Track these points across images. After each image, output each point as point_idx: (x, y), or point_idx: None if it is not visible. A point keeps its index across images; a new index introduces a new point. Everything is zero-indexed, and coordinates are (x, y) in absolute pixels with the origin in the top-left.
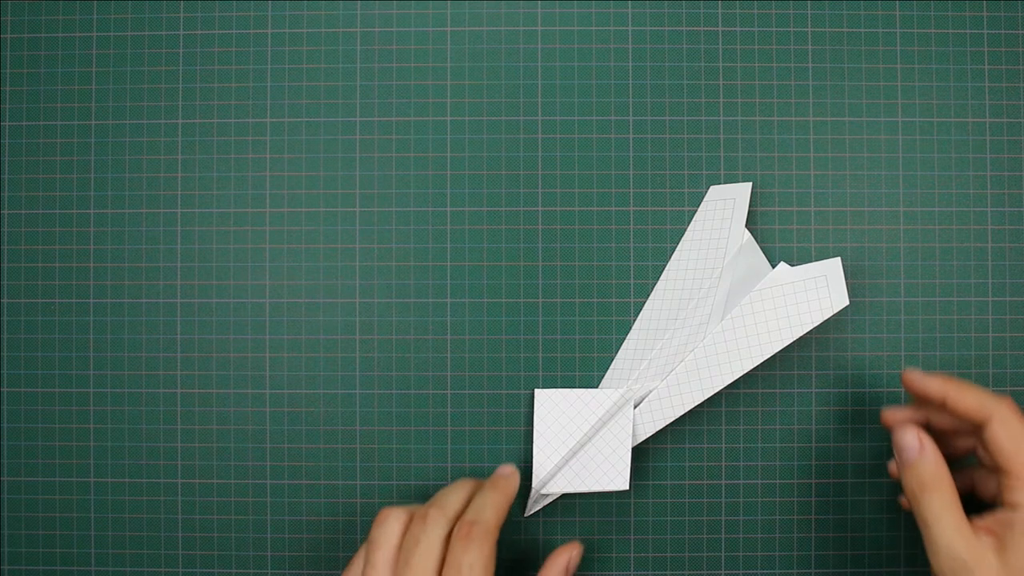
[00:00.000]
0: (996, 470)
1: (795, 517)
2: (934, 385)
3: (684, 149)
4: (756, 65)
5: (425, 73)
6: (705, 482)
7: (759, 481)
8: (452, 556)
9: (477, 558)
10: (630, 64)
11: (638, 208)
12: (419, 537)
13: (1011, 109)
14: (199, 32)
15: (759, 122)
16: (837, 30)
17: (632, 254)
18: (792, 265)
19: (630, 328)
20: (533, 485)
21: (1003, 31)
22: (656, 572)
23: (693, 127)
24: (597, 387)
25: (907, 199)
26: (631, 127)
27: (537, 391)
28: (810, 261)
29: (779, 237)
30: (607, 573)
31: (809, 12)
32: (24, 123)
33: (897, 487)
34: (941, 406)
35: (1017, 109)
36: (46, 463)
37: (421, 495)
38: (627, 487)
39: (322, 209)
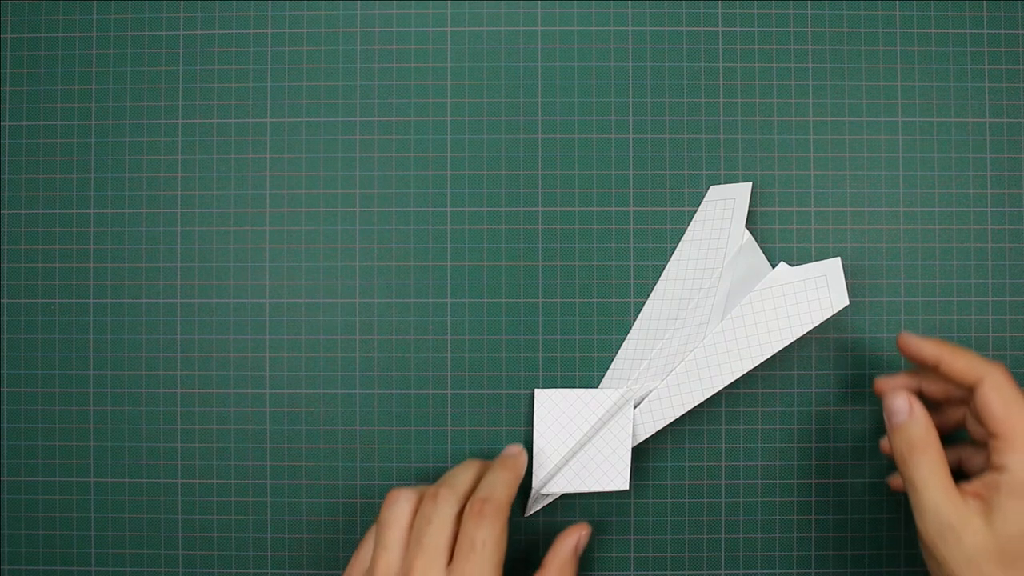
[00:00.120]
0: (985, 434)
1: (795, 517)
2: (928, 348)
3: (684, 149)
4: (756, 65)
5: (425, 73)
6: (705, 482)
7: (759, 481)
8: (465, 532)
9: (490, 534)
10: (630, 64)
11: (638, 208)
12: (430, 516)
13: (1011, 109)
14: (199, 32)
15: (759, 122)
16: (837, 30)
17: (632, 254)
18: (792, 265)
19: (630, 328)
20: (533, 485)
21: (1003, 31)
22: (656, 572)
23: (693, 127)
24: (597, 387)
25: (907, 199)
26: (631, 127)
27: (537, 391)
28: (810, 261)
29: (779, 237)
30: (607, 573)
31: (809, 12)
32: (24, 123)
33: (897, 491)
34: (934, 369)
35: (1017, 109)
36: (46, 463)
37: None
38: (627, 487)
39: (322, 209)
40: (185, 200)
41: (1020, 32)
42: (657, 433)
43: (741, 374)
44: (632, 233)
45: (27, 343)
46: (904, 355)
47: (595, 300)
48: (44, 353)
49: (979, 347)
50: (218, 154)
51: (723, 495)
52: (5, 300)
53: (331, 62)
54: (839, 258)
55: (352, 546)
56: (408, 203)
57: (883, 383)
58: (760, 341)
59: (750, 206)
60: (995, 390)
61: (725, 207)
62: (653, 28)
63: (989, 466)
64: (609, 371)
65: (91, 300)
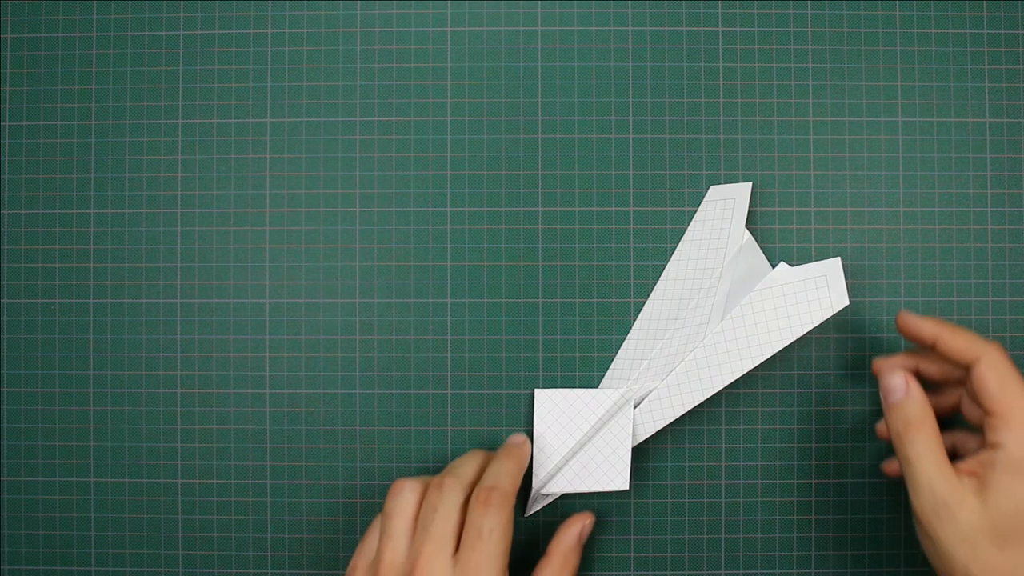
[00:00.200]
0: (980, 417)
1: (795, 517)
2: (927, 326)
3: (684, 149)
4: (756, 65)
5: (425, 73)
6: (705, 482)
7: (759, 481)
8: (471, 521)
9: (497, 522)
10: (630, 64)
11: (638, 208)
12: (436, 504)
13: (1011, 109)
14: (199, 32)
15: (759, 122)
16: (837, 30)
17: (632, 254)
18: (792, 265)
19: (630, 328)
20: (533, 485)
21: (1003, 31)
22: (656, 572)
23: (693, 127)
24: (597, 387)
25: (907, 199)
26: (631, 127)
27: (537, 391)
28: (810, 261)
29: (779, 237)
30: (607, 573)
31: (809, 12)
32: (24, 123)
33: (898, 487)
34: (932, 347)
35: (1017, 109)
36: (46, 463)
37: None
38: (627, 487)
39: (322, 209)
40: (185, 200)
41: (1020, 32)
42: (657, 433)
43: (741, 374)
44: (632, 233)
45: (27, 343)
46: (903, 334)
47: (595, 300)
48: (44, 353)
49: None
50: (218, 154)
51: (723, 495)
52: (5, 300)
53: (331, 62)
54: (839, 258)
55: (352, 546)
56: (408, 203)
57: (880, 363)
58: (760, 341)
59: (750, 206)
60: (992, 368)
61: (725, 207)
62: (653, 28)
63: (984, 444)
64: (609, 371)
65: (91, 300)
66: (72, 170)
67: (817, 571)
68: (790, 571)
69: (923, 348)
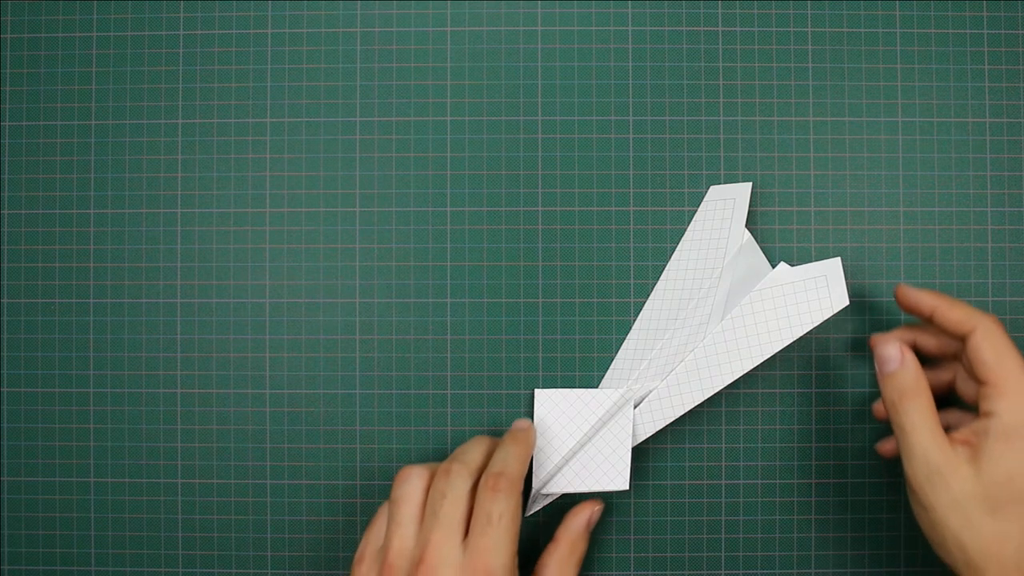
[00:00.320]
0: (974, 394)
1: (795, 517)
2: (925, 298)
3: (684, 149)
4: (756, 65)
5: (425, 73)
6: (705, 482)
7: (759, 481)
8: (480, 507)
9: (506, 507)
10: (630, 64)
11: (638, 208)
12: (444, 490)
13: (1011, 109)
14: (199, 32)
15: (759, 122)
16: (837, 30)
17: (632, 254)
18: (792, 265)
19: (630, 328)
20: (533, 485)
21: (1003, 31)
22: (656, 572)
23: (693, 127)
24: (597, 387)
25: (907, 199)
26: (631, 127)
27: (537, 391)
28: (810, 261)
29: (779, 237)
30: (607, 573)
31: (809, 12)
32: (24, 123)
33: (899, 488)
34: (930, 319)
35: (1017, 109)
36: (46, 463)
37: None
38: (627, 487)
39: (322, 209)
40: (185, 200)
41: (1020, 32)
42: (657, 433)
43: (741, 374)
44: (632, 233)
45: (27, 343)
46: (902, 306)
47: (595, 300)
48: (44, 353)
49: None
50: (218, 154)
51: (723, 495)
52: (5, 300)
53: (331, 62)
54: (839, 258)
55: (352, 546)
56: (408, 203)
57: (876, 336)
58: (760, 341)
59: (750, 206)
60: (987, 339)
61: (725, 207)
62: (653, 28)
63: (978, 414)
64: (609, 371)
65: (91, 300)
66: (72, 170)
67: (817, 571)
68: (790, 571)
69: (921, 321)
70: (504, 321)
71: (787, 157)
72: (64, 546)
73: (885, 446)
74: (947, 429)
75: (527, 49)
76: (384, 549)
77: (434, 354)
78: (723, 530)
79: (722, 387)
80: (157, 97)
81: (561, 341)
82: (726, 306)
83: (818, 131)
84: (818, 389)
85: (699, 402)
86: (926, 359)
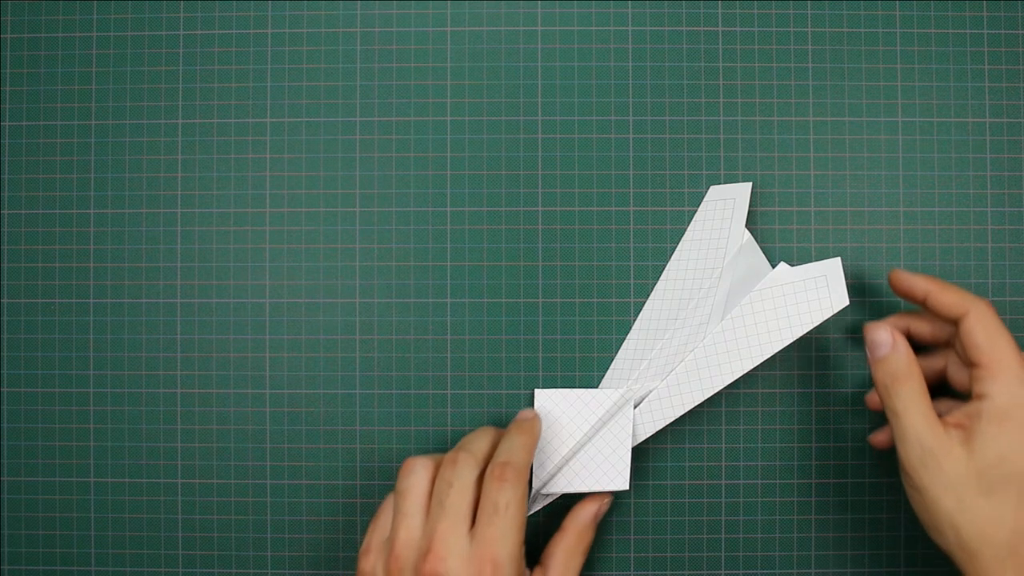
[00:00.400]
0: (966, 383)
1: (795, 517)
2: (919, 282)
3: (684, 149)
4: (756, 65)
5: (425, 73)
6: (705, 482)
7: (759, 481)
8: (487, 496)
9: (513, 497)
10: (630, 64)
11: (638, 208)
12: (451, 480)
13: (1011, 109)
14: (199, 32)
15: (759, 122)
16: (837, 30)
17: (632, 254)
18: (792, 265)
19: (630, 328)
20: (533, 485)
21: (1003, 31)
22: (656, 572)
23: (693, 127)
24: (597, 387)
25: (907, 199)
26: (631, 127)
27: (537, 391)
28: (810, 261)
29: (779, 237)
30: (607, 573)
31: (809, 12)
32: (24, 123)
33: (899, 488)
34: (923, 303)
35: (1017, 109)
36: (46, 463)
37: None
38: (627, 487)
39: (322, 209)
40: (185, 200)
41: (1020, 32)
42: (657, 433)
43: (741, 374)
44: (632, 233)
45: (27, 343)
46: (896, 290)
47: (595, 300)
48: (44, 353)
49: None
50: (218, 154)
51: (723, 495)
52: (5, 300)
53: (331, 62)
54: (839, 258)
55: (352, 546)
56: (408, 203)
57: (868, 323)
58: (760, 341)
59: (750, 206)
60: (980, 322)
61: (725, 207)
62: (653, 28)
63: (971, 396)
64: (609, 371)
65: (91, 300)
66: (72, 170)
67: (817, 571)
68: (790, 571)
69: (915, 305)
70: (504, 321)
71: (787, 157)
72: (64, 546)
73: (878, 437)
74: (939, 416)
75: (527, 49)
76: (390, 540)
77: (434, 354)
78: (723, 530)
79: (722, 387)
80: (157, 97)
81: (561, 341)
82: (726, 306)
83: (818, 131)
84: (818, 389)
85: (699, 402)
86: (918, 347)
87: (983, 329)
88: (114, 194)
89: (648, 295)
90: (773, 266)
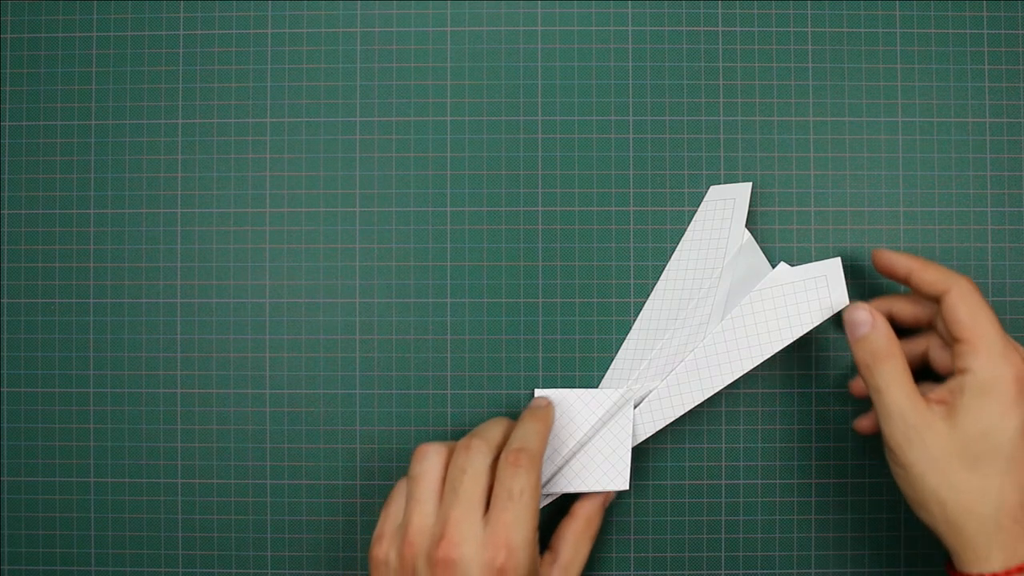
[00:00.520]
0: (949, 366)
1: (795, 517)
2: (901, 261)
3: (684, 149)
4: (756, 65)
5: (425, 73)
6: (705, 482)
7: (759, 481)
8: (501, 482)
9: (527, 483)
10: (630, 64)
11: (638, 208)
12: (464, 466)
13: (1011, 109)
14: (199, 32)
15: (759, 122)
16: (837, 30)
17: (632, 254)
18: (792, 265)
19: (630, 328)
20: None
21: (1003, 31)
22: (656, 572)
23: (693, 127)
24: (597, 387)
25: (907, 199)
26: (631, 127)
27: (537, 391)
28: (810, 261)
29: (779, 237)
30: (607, 573)
31: (809, 12)
32: (24, 123)
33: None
34: (906, 281)
35: (1017, 109)
36: (46, 463)
37: None
38: (627, 487)
39: (322, 209)
40: (185, 200)
41: (1020, 32)
42: (657, 433)
43: (741, 374)
44: (632, 233)
45: (27, 343)
46: (879, 269)
47: (595, 300)
48: (44, 353)
49: None
50: (218, 154)
51: (723, 495)
52: (5, 300)
53: (331, 62)
54: (839, 258)
55: (352, 546)
56: (408, 203)
57: (849, 305)
58: (760, 341)
59: (750, 206)
60: (962, 298)
61: (725, 207)
62: (653, 28)
63: (954, 371)
64: (609, 371)
65: (91, 300)
66: (72, 170)
67: (817, 571)
68: (790, 571)
69: (898, 283)
70: (504, 321)
71: (787, 157)
72: (64, 546)
73: (862, 422)
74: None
75: (527, 49)
76: (404, 526)
77: (434, 354)
78: (723, 530)
79: (722, 387)
80: (157, 97)
81: (561, 341)
82: (726, 306)
83: (818, 131)
84: (818, 389)
85: (699, 402)
86: (900, 330)
87: (965, 305)
88: (114, 194)
89: (648, 295)
90: (773, 266)
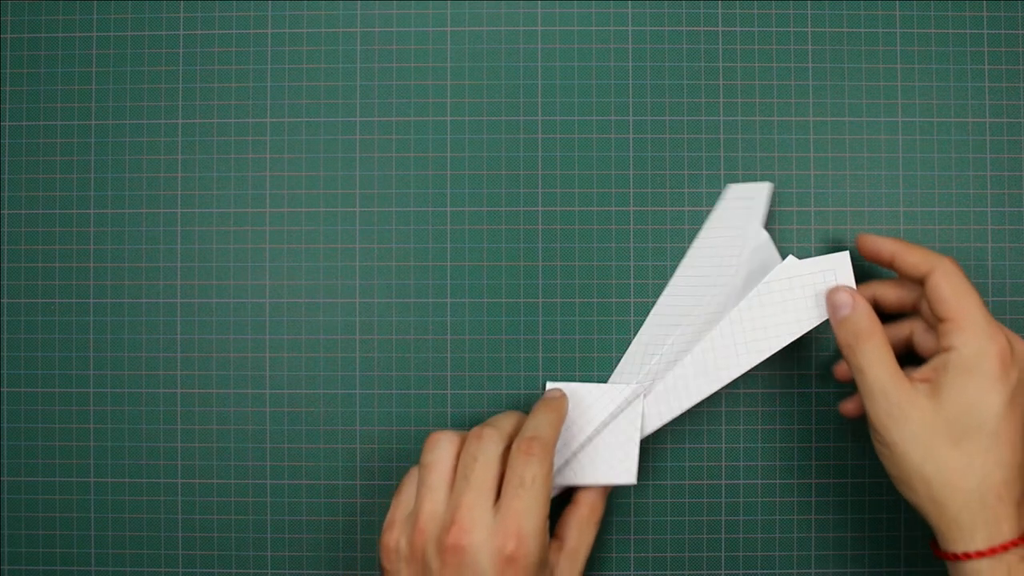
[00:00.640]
0: (934, 340)
1: (795, 517)
2: (885, 244)
3: (684, 149)
4: (756, 65)
5: (425, 73)
6: (705, 482)
7: (759, 481)
8: (514, 470)
9: (539, 471)
10: (630, 64)
11: (638, 208)
12: (476, 454)
13: (1011, 109)
14: (199, 32)
15: (759, 122)
16: (837, 30)
17: (632, 254)
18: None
19: (630, 328)
20: None
21: (1003, 31)
22: (656, 572)
23: (693, 127)
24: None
25: (907, 199)
26: (631, 127)
27: (549, 383)
28: None
29: (779, 237)
30: (607, 573)
31: (809, 12)
32: (24, 123)
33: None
34: (890, 264)
35: (1017, 109)
36: (46, 463)
37: None
38: (635, 481)
39: (322, 209)
40: (185, 200)
41: (1020, 32)
42: (657, 433)
43: (748, 368)
44: (632, 233)
45: (27, 343)
46: (863, 254)
47: (595, 300)
48: (44, 353)
49: None
50: (218, 154)
51: (723, 495)
52: (5, 300)
53: (331, 62)
54: (848, 252)
55: (352, 546)
56: (408, 203)
57: (830, 288)
58: (768, 335)
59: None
60: (945, 277)
61: (743, 206)
62: (653, 28)
63: (938, 350)
64: (619, 365)
65: (91, 300)
66: (72, 170)
67: (817, 571)
68: (790, 571)
69: (883, 267)
70: (504, 321)
71: (787, 157)
72: (64, 546)
73: (847, 405)
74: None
75: (527, 49)
76: (414, 514)
77: (434, 354)
78: (723, 530)
79: (729, 380)
80: (157, 97)
81: (561, 341)
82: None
83: (818, 131)
84: (818, 389)
85: (706, 395)
86: (885, 316)
87: (949, 284)
88: (114, 194)
89: (648, 295)
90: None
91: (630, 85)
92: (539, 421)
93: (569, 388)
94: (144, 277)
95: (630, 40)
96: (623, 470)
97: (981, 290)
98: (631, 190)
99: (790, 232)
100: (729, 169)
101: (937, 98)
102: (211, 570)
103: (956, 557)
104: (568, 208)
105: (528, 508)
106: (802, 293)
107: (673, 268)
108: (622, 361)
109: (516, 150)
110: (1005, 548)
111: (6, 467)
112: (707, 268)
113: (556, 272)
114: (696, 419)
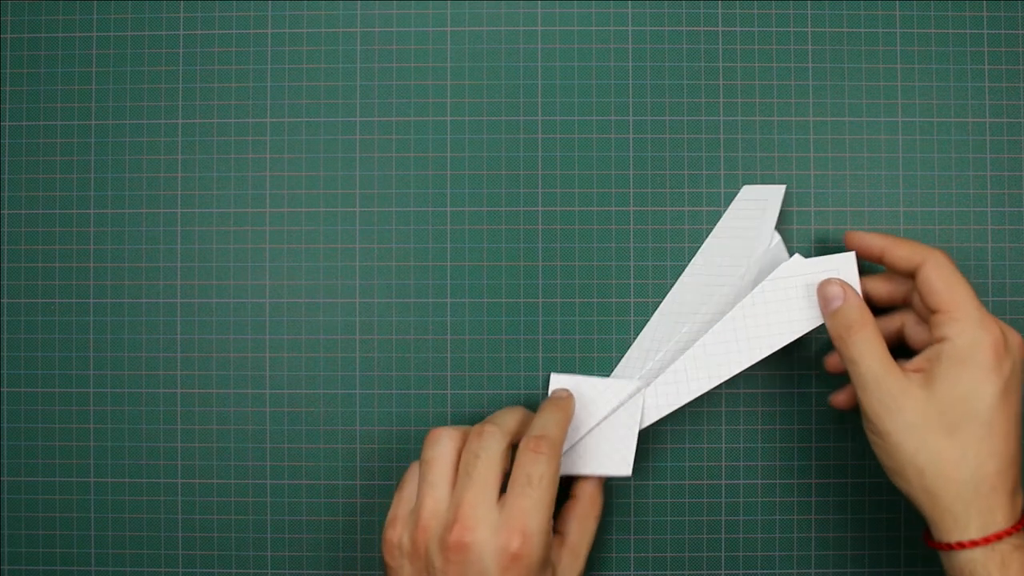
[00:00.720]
0: (926, 333)
1: (795, 517)
2: (875, 240)
3: (684, 149)
4: (756, 65)
5: (425, 73)
6: (705, 482)
7: (759, 481)
8: (521, 467)
9: (547, 470)
10: (630, 64)
11: (638, 208)
12: (478, 451)
13: (1011, 109)
14: (199, 32)
15: (759, 122)
16: (837, 30)
17: (632, 254)
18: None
19: (630, 328)
20: None
21: (1003, 31)
22: (656, 572)
23: (693, 127)
24: None
25: (907, 199)
26: (631, 127)
27: (553, 375)
28: None
29: (779, 237)
30: (607, 573)
31: (809, 12)
32: (24, 123)
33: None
34: (880, 259)
35: (1017, 109)
36: (46, 463)
37: None
38: (630, 473)
39: (322, 209)
40: (185, 200)
41: (1020, 32)
42: (657, 433)
43: (749, 364)
44: (632, 233)
45: (27, 343)
46: (851, 249)
47: (595, 300)
48: (44, 353)
49: None
50: (218, 154)
51: (723, 495)
52: (5, 300)
53: (331, 62)
54: (853, 252)
55: (352, 546)
56: (408, 203)
57: (821, 282)
58: (770, 332)
59: None
60: (936, 269)
61: (756, 207)
62: (653, 28)
63: (930, 341)
64: (623, 360)
65: (91, 300)
66: (72, 170)
67: (817, 571)
68: (790, 571)
69: (873, 263)
70: (504, 321)
71: (787, 157)
72: (64, 546)
73: (838, 397)
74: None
75: (527, 49)
76: (417, 510)
77: (434, 354)
78: (723, 530)
79: (729, 376)
80: (157, 97)
81: (561, 341)
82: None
83: (818, 131)
84: (818, 389)
85: (706, 390)
86: (876, 310)
87: (940, 276)
88: (114, 194)
89: (648, 295)
90: None
91: (630, 85)
92: (547, 420)
93: (573, 381)
94: (144, 277)
95: (630, 40)
96: (620, 460)
97: (981, 290)
98: (631, 190)
99: (790, 232)
100: (729, 169)
101: (937, 98)
102: (211, 570)
103: (950, 547)
104: (568, 208)
105: (535, 506)
106: (806, 292)
107: (673, 268)
108: (625, 356)
109: (516, 150)
110: (999, 537)
111: (6, 467)
112: (717, 267)
113: (556, 272)
114: (696, 419)
